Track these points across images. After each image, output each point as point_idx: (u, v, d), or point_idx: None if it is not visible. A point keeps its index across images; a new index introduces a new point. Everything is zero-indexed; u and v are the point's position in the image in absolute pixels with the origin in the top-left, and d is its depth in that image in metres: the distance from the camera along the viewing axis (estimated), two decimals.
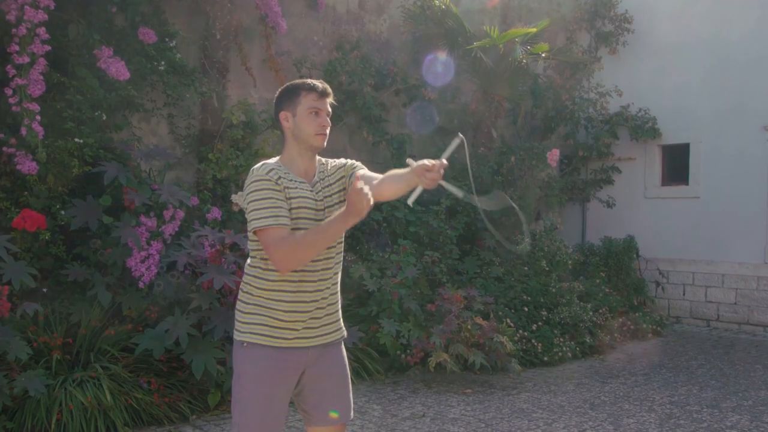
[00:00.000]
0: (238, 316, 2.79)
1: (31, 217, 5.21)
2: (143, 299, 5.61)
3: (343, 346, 2.94)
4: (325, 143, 2.79)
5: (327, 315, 2.81)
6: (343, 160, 2.96)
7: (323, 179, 2.84)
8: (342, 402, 2.87)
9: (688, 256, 10.20)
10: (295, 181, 2.73)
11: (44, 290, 5.47)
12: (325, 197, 2.81)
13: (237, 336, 2.77)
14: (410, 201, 2.68)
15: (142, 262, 5.51)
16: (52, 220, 5.55)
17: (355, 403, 5.79)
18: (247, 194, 2.67)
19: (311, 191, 2.76)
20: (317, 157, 2.88)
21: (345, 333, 2.94)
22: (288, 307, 2.70)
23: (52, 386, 4.77)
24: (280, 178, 2.67)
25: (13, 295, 5.08)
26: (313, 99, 2.74)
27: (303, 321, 2.73)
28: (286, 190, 2.67)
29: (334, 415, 2.81)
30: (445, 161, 2.58)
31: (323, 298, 2.78)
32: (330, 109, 2.81)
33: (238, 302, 2.82)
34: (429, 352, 6.44)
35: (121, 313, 5.55)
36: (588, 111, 10.53)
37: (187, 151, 7.01)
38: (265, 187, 2.64)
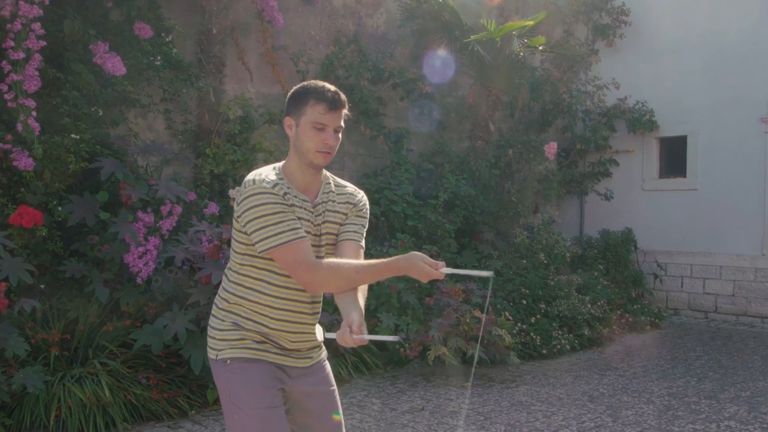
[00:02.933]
0: (213, 333, 2.54)
1: (28, 213, 5.20)
2: (141, 295, 5.61)
3: (327, 363, 2.73)
4: (327, 162, 2.48)
5: (300, 347, 2.58)
6: (355, 196, 2.65)
7: (327, 201, 2.55)
8: (334, 422, 2.68)
9: (686, 248, 10.21)
10: (298, 199, 2.45)
11: (42, 287, 5.46)
12: (326, 222, 2.54)
13: (215, 355, 2.52)
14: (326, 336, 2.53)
15: (140, 257, 5.50)
16: (49, 216, 5.54)
17: (354, 397, 5.82)
18: (249, 208, 2.36)
19: (311, 212, 2.49)
20: (324, 173, 2.58)
21: (326, 353, 2.74)
22: (269, 323, 2.48)
23: (51, 383, 4.77)
24: (286, 194, 2.41)
25: (10, 291, 5.07)
26: (320, 112, 2.41)
27: (276, 346, 2.51)
28: (293, 208, 2.41)
29: (336, 417, 2.67)
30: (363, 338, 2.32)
31: (303, 322, 2.54)
32: (342, 124, 2.48)
33: (212, 319, 2.57)
34: (428, 345, 6.44)
35: (119, 309, 5.54)
36: (585, 104, 10.55)
37: (184, 146, 6.99)
38: (273, 201, 2.36)
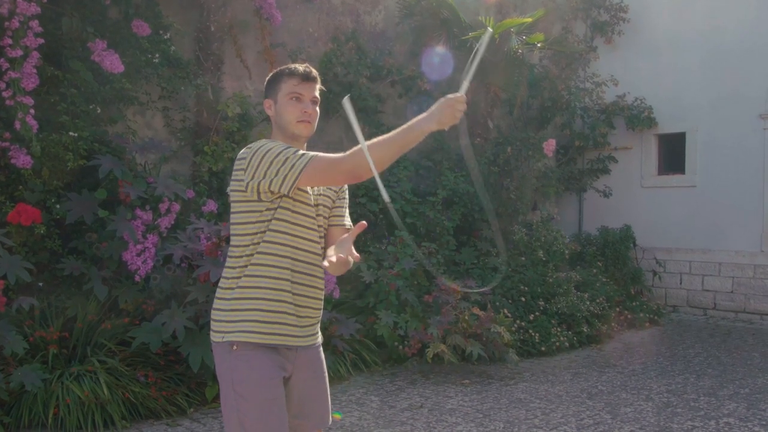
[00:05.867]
0: (218, 315, 2.55)
1: (26, 211, 5.19)
2: (140, 293, 5.61)
3: (321, 351, 2.75)
4: (310, 132, 2.59)
5: (309, 317, 2.62)
6: None
7: None
8: (324, 408, 2.72)
9: (684, 245, 10.22)
10: None
11: (40, 284, 5.46)
12: (318, 195, 2.62)
13: (220, 338, 2.52)
14: None
15: (138, 255, 5.50)
16: (47, 214, 5.53)
17: (352, 394, 5.82)
18: (266, 153, 2.40)
19: None
20: None
21: (321, 338, 2.76)
22: (273, 295, 2.50)
23: (49, 380, 4.77)
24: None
25: (8, 289, 5.06)
26: (294, 84, 2.55)
27: (289, 314, 2.53)
28: None
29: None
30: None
31: (306, 296, 2.59)
32: (317, 95, 2.61)
33: (216, 301, 2.58)
34: (426, 343, 6.45)
35: (117, 306, 5.54)
36: (584, 101, 10.54)
37: (183, 144, 6.99)
38: (282, 144, 2.45)
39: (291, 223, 2.53)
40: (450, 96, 2.27)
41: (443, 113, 2.27)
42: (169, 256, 5.66)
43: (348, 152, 2.38)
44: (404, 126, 2.33)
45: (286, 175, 2.39)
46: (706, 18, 9.98)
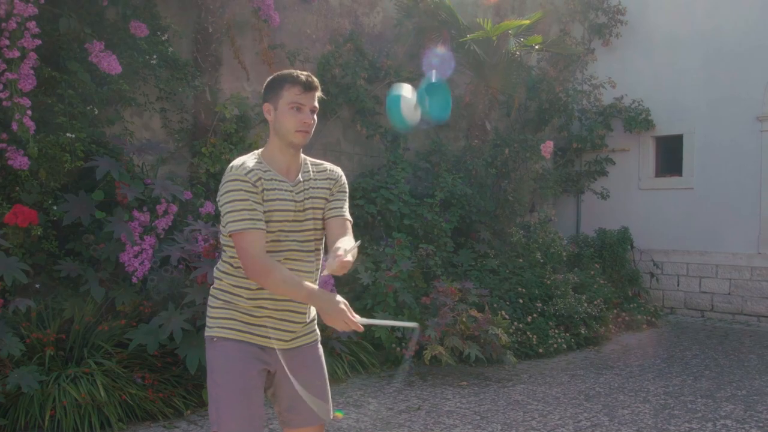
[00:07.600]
0: (208, 312, 2.75)
1: (23, 212, 5.17)
2: (137, 294, 5.59)
3: (320, 347, 2.87)
4: (306, 141, 2.65)
5: (298, 323, 2.73)
6: (334, 172, 2.83)
7: (307, 180, 2.72)
8: (319, 405, 2.77)
9: (682, 247, 10.23)
10: (275, 181, 2.62)
11: (37, 286, 5.44)
12: (307, 198, 2.69)
13: (207, 332, 2.73)
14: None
15: (136, 257, 5.49)
16: (44, 215, 5.52)
17: (350, 396, 5.81)
18: (224, 193, 2.56)
19: (291, 191, 2.65)
20: (302, 156, 2.75)
21: (319, 335, 2.87)
22: (256, 303, 2.64)
23: (46, 382, 4.75)
24: (259, 179, 2.57)
25: (5, 291, 5.06)
26: (296, 93, 2.60)
27: (273, 319, 2.66)
28: (264, 192, 2.58)
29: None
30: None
31: (289, 300, 2.66)
32: (316, 105, 2.67)
33: (209, 298, 2.77)
34: (424, 345, 6.44)
35: (114, 308, 5.53)
36: (582, 103, 10.56)
37: (180, 145, 6.98)
38: (242, 188, 2.53)
39: (267, 241, 2.61)
40: (346, 317, 2.44)
41: (331, 313, 2.46)
42: (166, 257, 5.65)
43: (266, 260, 2.53)
44: (301, 285, 2.52)
45: (223, 224, 2.57)
46: (704, 19, 10.00)
